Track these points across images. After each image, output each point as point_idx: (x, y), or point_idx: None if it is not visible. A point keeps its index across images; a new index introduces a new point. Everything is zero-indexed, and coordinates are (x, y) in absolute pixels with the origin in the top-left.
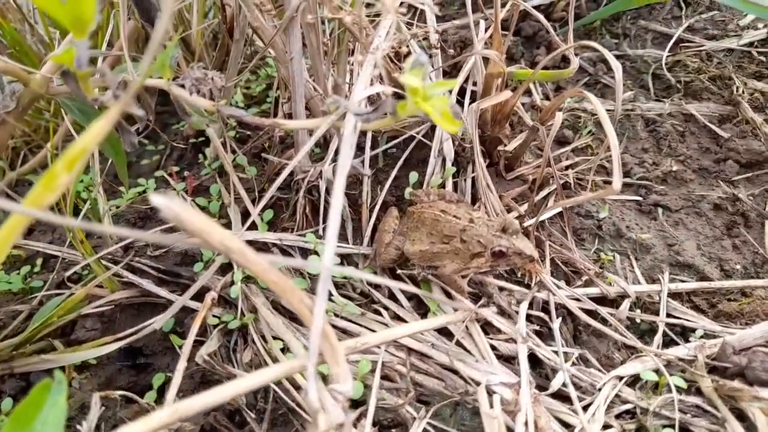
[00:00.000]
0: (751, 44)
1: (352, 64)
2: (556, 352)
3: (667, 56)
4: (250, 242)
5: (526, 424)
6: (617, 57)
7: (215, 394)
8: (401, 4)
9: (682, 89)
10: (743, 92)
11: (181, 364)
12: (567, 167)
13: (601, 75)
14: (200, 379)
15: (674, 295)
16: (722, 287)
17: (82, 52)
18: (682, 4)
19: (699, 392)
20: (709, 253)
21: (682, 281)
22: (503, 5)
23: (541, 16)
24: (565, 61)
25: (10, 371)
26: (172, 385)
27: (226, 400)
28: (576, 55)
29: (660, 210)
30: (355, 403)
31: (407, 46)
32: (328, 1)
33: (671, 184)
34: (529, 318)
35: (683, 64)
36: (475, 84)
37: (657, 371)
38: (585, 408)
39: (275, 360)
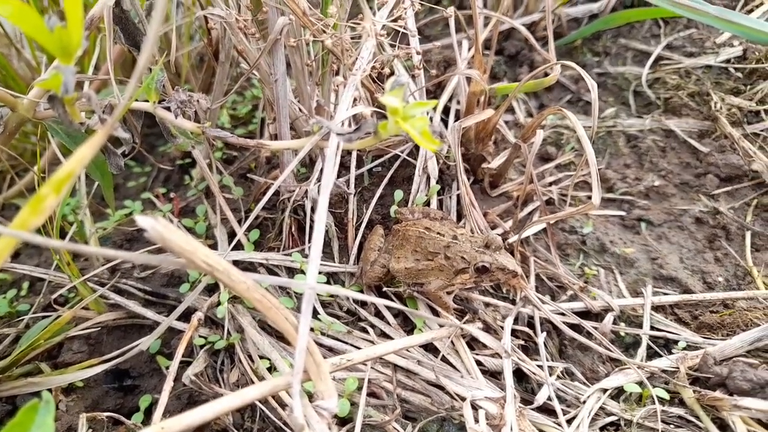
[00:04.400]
0: (728, 61)
1: (337, 85)
2: (541, 367)
3: (648, 73)
4: (236, 262)
5: None
6: (599, 75)
7: (201, 412)
8: (383, 27)
9: (662, 105)
10: (721, 108)
11: (168, 384)
12: (551, 183)
13: (583, 92)
14: (187, 400)
15: (657, 308)
16: (704, 299)
17: (68, 78)
18: (661, 23)
19: (681, 403)
20: (691, 266)
21: (665, 294)
22: (486, 25)
23: (525, 30)
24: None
25: None
26: (159, 405)
27: (213, 418)
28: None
29: (643, 224)
30: (342, 421)
31: (390, 67)
32: (311, 24)
33: (653, 199)
34: (514, 333)
35: (663, 81)
36: (459, 102)
37: (640, 383)
38: (569, 421)
39: (261, 379)
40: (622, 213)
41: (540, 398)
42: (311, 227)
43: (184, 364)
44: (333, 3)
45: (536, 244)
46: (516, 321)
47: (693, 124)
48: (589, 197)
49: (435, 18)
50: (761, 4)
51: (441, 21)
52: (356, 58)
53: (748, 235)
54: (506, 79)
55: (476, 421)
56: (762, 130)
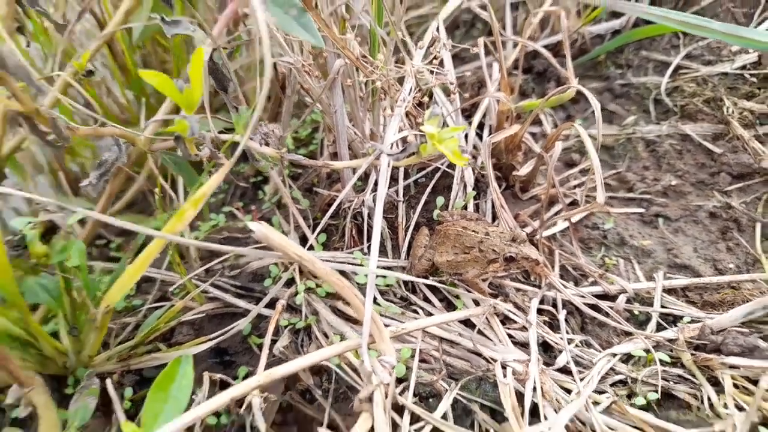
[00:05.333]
0: (743, 67)
1: (385, 110)
2: (562, 339)
3: (667, 82)
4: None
5: (534, 389)
6: (622, 86)
7: (292, 365)
8: (424, 57)
9: (679, 112)
10: (733, 111)
11: (264, 354)
12: (575, 186)
13: (607, 103)
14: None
15: (670, 291)
16: (711, 282)
17: (193, 125)
18: (680, 34)
19: (681, 365)
20: (704, 255)
21: (676, 278)
22: (515, 45)
23: (546, 52)
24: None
25: (128, 368)
26: (260, 365)
27: (299, 369)
28: (583, 85)
29: (660, 220)
30: (399, 380)
31: (429, 93)
32: (363, 66)
33: (671, 197)
34: (540, 312)
35: (681, 89)
36: (491, 119)
37: (647, 350)
38: (583, 379)
39: None
40: (642, 210)
41: (560, 361)
42: (369, 230)
43: (273, 341)
44: (380, 50)
45: (562, 240)
46: (542, 302)
47: (707, 128)
48: (611, 197)
49: (469, 43)
50: None
51: (474, 44)
52: (400, 93)
53: (758, 226)
54: (534, 95)
55: (505, 376)
56: None
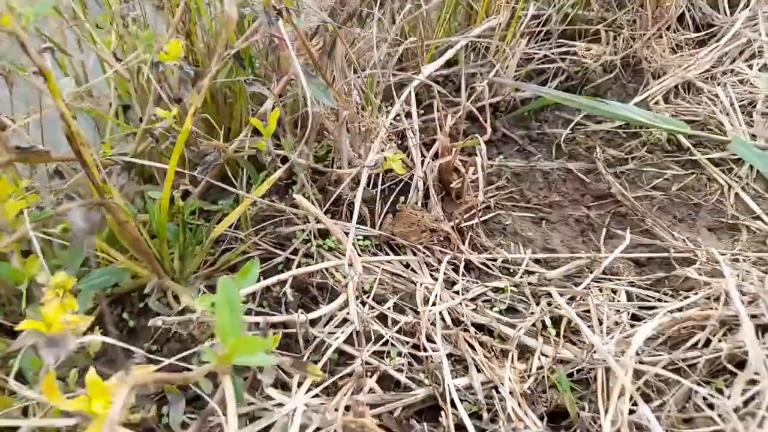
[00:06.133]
0: (619, 126)
1: (372, 141)
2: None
3: (567, 134)
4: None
5: (436, 297)
6: (539, 134)
7: (308, 268)
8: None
9: (568, 154)
10: (600, 156)
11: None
12: (492, 196)
13: (526, 144)
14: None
15: (537, 261)
16: (561, 257)
17: (269, 144)
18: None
19: (524, 294)
20: (566, 244)
21: (541, 254)
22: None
23: (476, 112)
24: (504, 135)
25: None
26: (290, 272)
27: (310, 271)
28: (511, 132)
29: (544, 222)
30: (364, 292)
31: (401, 134)
32: (359, 116)
33: (554, 208)
34: (450, 263)
35: (575, 139)
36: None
37: (508, 286)
38: (465, 294)
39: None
40: (533, 215)
41: (456, 287)
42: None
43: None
44: (371, 104)
45: (477, 230)
46: (454, 259)
47: (583, 165)
48: (513, 206)
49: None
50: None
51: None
52: (379, 132)
53: (604, 230)
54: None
55: (420, 289)
56: (622, 171)
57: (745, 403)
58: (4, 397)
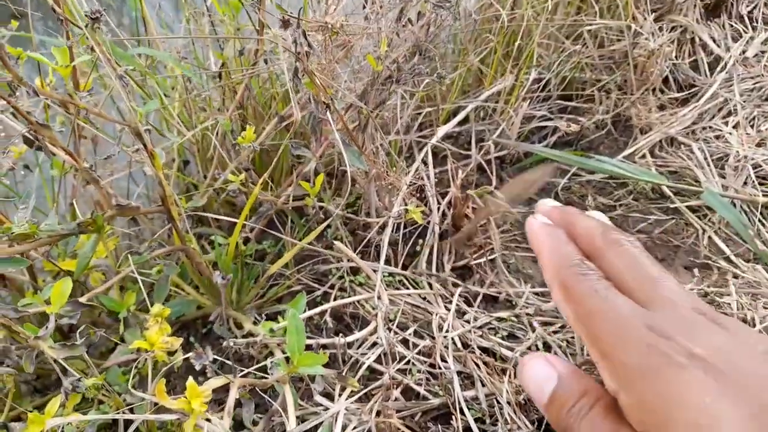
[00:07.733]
0: (610, 177)
1: (395, 195)
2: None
3: (564, 183)
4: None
5: (449, 325)
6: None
7: (342, 301)
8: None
9: (564, 201)
10: (591, 202)
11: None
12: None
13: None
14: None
15: (536, 294)
16: None
17: (314, 201)
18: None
19: (522, 322)
20: None
21: (539, 289)
22: (479, 150)
23: (484, 163)
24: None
25: (261, 312)
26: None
27: (343, 304)
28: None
29: None
30: (390, 320)
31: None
32: (386, 175)
33: None
34: (462, 296)
35: (570, 188)
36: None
37: (510, 316)
38: (475, 323)
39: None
40: (533, 255)
41: (467, 317)
42: (378, 254)
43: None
44: (395, 165)
45: (485, 267)
46: (466, 292)
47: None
48: (517, 247)
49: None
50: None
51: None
52: (402, 188)
53: None
54: (482, 188)
55: (436, 317)
56: (611, 216)
57: None
58: (117, 398)
